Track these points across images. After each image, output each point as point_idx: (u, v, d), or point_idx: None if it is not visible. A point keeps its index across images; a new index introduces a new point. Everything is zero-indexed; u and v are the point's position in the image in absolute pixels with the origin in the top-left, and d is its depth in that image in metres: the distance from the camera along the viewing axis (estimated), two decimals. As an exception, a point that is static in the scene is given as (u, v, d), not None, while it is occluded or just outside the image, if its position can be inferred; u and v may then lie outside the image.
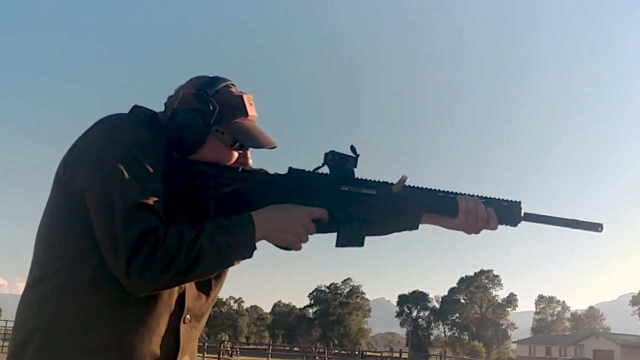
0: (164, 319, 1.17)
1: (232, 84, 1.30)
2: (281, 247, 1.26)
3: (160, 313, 1.16)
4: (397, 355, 45.80)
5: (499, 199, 1.40)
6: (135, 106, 1.26)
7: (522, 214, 1.39)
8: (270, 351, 32.24)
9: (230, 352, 34.40)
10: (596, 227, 1.41)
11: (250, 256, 1.19)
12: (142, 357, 1.14)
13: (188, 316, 1.22)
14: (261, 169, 1.37)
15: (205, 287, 1.26)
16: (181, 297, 1.20)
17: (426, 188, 1.36)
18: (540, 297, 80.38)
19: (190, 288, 1.22)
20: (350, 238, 1.30)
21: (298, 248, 1.26)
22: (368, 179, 1.34)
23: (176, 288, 1.19)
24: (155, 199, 1.13)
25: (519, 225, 1.40)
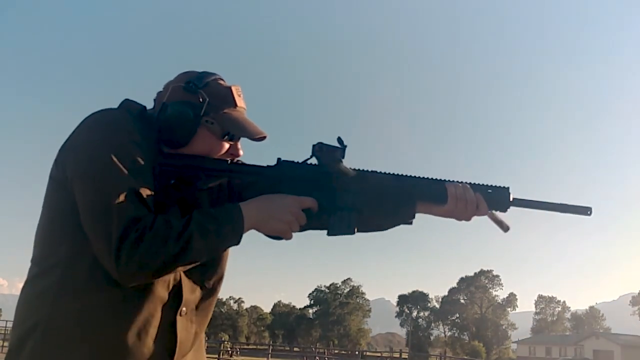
0: (157, 311, 1.16)
1: (220, 78, 1.31)
2: (272, 237, 1.28)
3: (155, 305, 1.16)
4: (397, 355, 45.67)
5: (487, 185, 1.41)
6: (126, 100, 1.26)
7: (511, 199, 1.40)
8: (270, 351, 32.10)
9: (230, 352, 34.31)
10: (585, 210, 1.43)
11: (237, 243, 1.19)
12: (140, 351, 1.13)
13: (184, 309, 1.21)
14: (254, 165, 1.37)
15: (199, 279, 1.26)
16: (177, 289, 1.20)
17: (415, 176, 1.37)
18: (540, 297, 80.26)
19: (185, 280, 1.22)
20: (341, 227, 1.31)
21: (288, 237, 1.27)
22: (357, 168, 1.35)
23: (171, 279, 1.19)
24: (144, 189, 1.13)
25: (508, 210, 1.41)
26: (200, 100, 1.24)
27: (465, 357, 51.98)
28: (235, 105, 1.30)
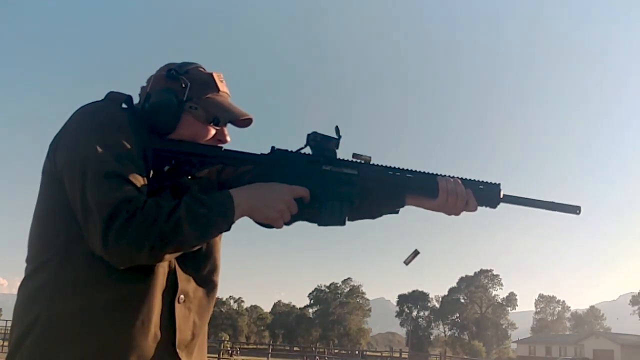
0: (158, 298, 1.16)
1: (201, 66, 1.33)
2: (262, 225, 1.28)
3: (156, 292, 1.16)
4: (397, 355, 45.77)
5: (479, 180, 1.41)
6: (110, 92, 1.27)
7: (501, 196, 1.41)
8: (270, 351, 32.14)
9: (230, 351, 34.30)
10: (574, 209, 1.43)
11: (228, 229, 1.19)
12: (144, 339, 1.13)
13: (182, 296, 1.21)
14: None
15: (193, 269, 1.26)
16: (172, 277, 1.20)
17: (407, 169, 1.38)
18: (540, 296, 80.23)
19: (179, 269, 1.22)
20: (332, 217, 1.32)
21: (279, 226, 1.27)
22: (350, 159, 1.35)
23: (166, 266, 1.18)
24: (135, 175, 1.13)
25: (498, 206, 1.42)
26: (183, 85, 1.26)
27: (465, 357, 52.00)
28: (218, 90, 1.31)
